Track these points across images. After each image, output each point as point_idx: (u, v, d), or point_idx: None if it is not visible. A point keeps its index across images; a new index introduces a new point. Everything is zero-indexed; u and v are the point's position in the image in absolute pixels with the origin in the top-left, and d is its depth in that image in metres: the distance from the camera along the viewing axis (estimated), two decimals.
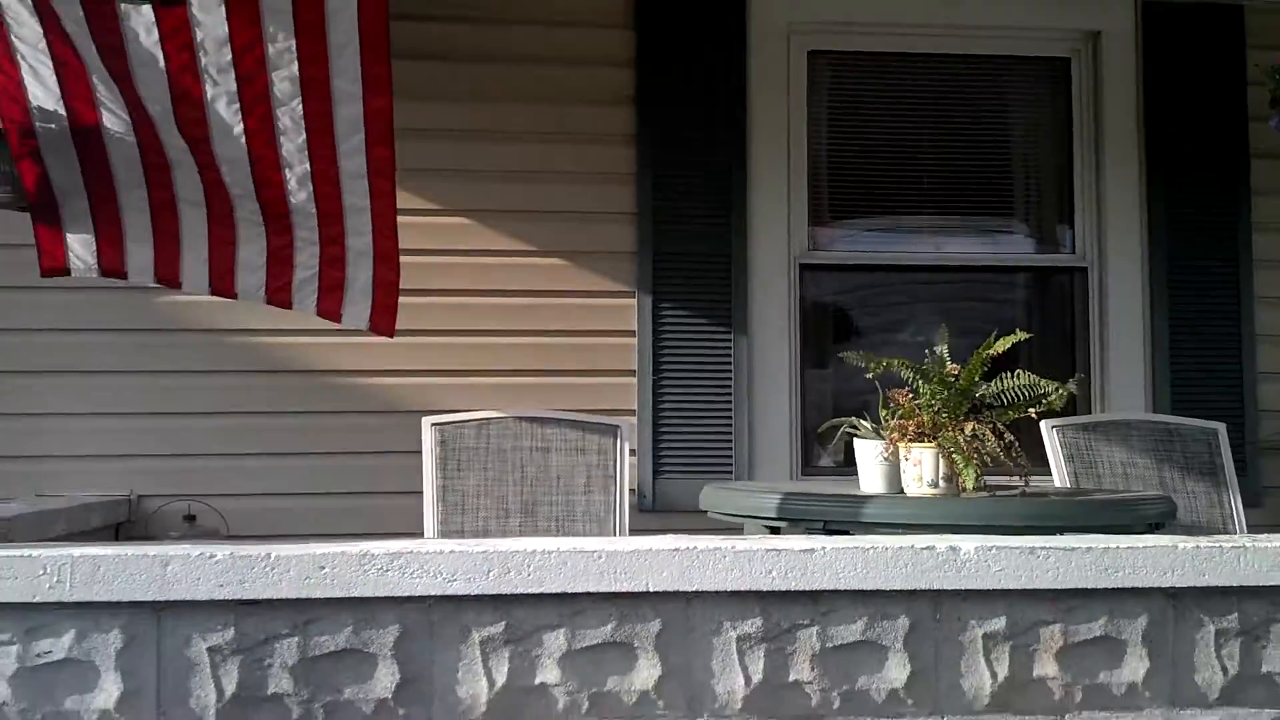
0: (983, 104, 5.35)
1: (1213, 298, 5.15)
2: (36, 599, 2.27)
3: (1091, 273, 5.19)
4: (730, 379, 4.91)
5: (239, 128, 3.19)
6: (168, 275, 3.57)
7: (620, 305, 4.92)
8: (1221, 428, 4.26)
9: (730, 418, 4.89)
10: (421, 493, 3.85)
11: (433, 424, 3.83)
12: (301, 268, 3.52)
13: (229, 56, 3.08)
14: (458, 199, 4.86)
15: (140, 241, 3.52)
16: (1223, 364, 5.14)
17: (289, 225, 3.43)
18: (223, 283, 3.59)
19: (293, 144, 3.27)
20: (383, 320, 3.60)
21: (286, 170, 3.28)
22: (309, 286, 3.57)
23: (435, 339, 4.75)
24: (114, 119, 3.31)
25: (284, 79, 3.09)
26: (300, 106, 3.16)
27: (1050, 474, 4.17)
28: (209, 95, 3.15)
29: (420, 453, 3.91)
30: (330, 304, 3.60)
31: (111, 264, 3.58)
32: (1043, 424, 4.10)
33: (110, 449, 4.68)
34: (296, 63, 3.06)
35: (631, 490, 4.59)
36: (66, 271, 3.60)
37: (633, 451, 4.62)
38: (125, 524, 4.58)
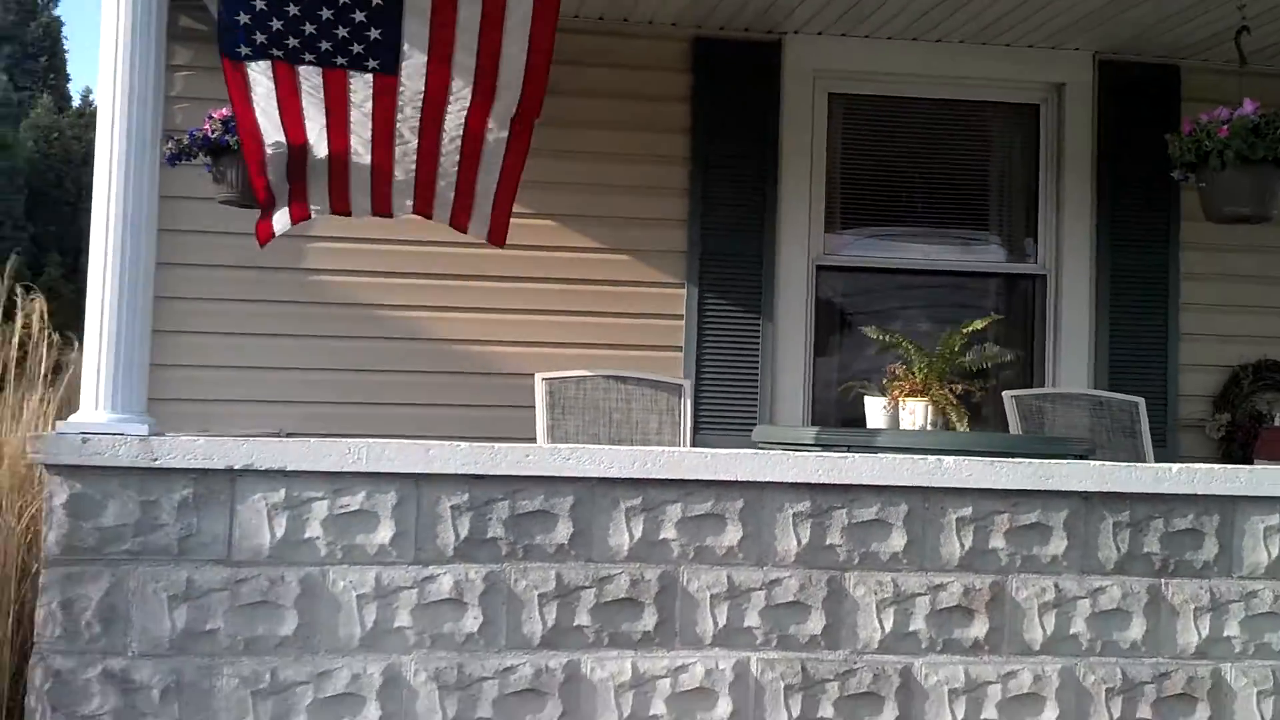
0: (967, 138, 6.60)
1: (1146, 302, 6.40)
2: (343, 469, 3.47)
3: (1050, 279, 6.44)
4: (758, 356, 6.14)
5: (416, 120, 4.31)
6: (340, 208, 4.67)
7: (672, 294, 6.14)
8: (1141, 401, 5.51)
9: (756, 387, 6.12)
10: (533, 439, 5.04)
11: (543, 378, 5.03)
12: (442, 194, 4.59)
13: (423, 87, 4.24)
14: (548, 205, 6.06)
15: (319, 190, 4.60)
16: (1152, 355, 6.39)
17: (436, 162, 4.49)
18: (383, 205, 4.63)
19: (456, 118, 4.37)
20: (497, 235, 4.69)
21: (445, 134, 4.39)
22: (445, 206, 4.63)
23: (531, 317, 5.97)
24: (320, 142, 4.44)
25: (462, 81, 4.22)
26: (469, 96, 4.27)
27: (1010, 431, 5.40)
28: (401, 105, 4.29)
29: (528, 406, 5.12)
30: (461, 219, 4.67)
31: (301, 214, 4.66)
32: (1004, 394, 5.33)
33: (265, 395, 5.83)
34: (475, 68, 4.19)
35: None
36: (271, 237, 4.74)
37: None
38: None
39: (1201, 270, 6.47)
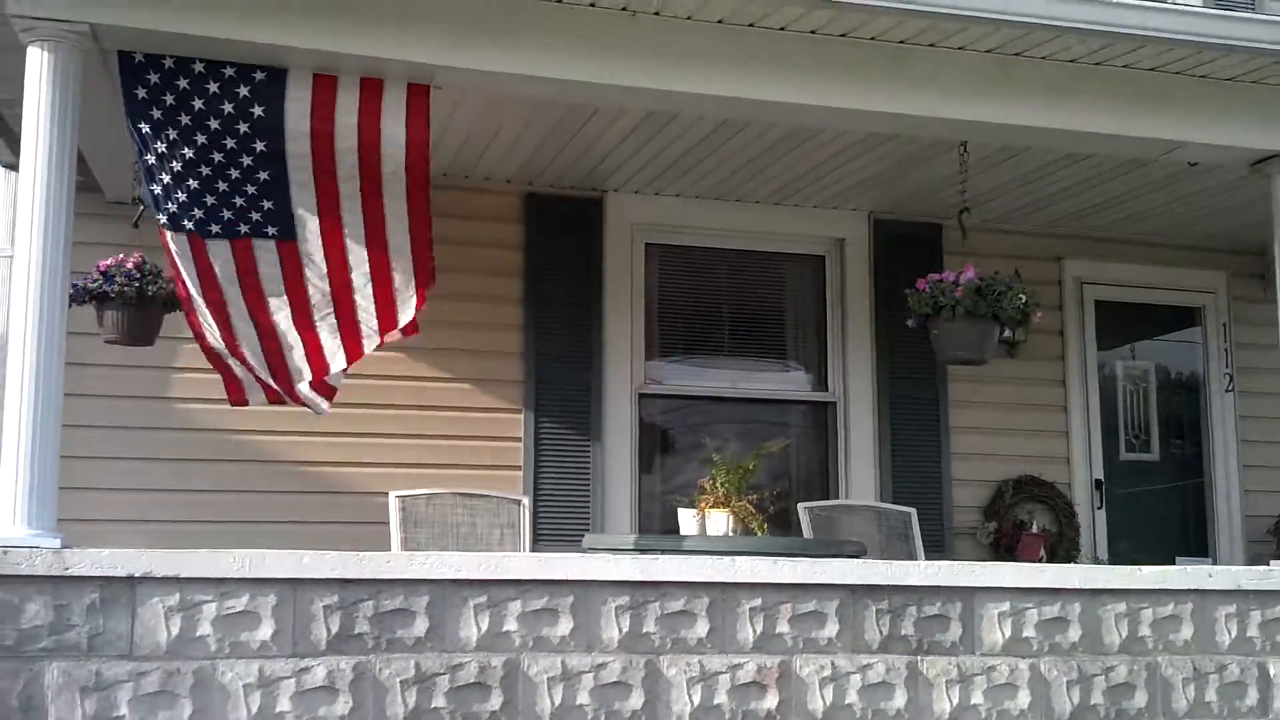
0: (767, 283, 7.56)
1: (922, 426, 7.38)
2: (229, 575, 4.04)
3: (840, 405, 7.38)
4: (589, 473, 6.87)
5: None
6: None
7: (512, 419, 6.85)
8: (913, 511, 6.41)
9: (589, 501, 6.84)
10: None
11: (396, 496, 5.65)
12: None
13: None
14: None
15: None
16: (929, 471, 7.35)
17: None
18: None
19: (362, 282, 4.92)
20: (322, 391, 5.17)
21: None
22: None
23: (382, 440, 6.59)
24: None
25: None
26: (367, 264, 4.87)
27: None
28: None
29: (384, 522, 5.72)
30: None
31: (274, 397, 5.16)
32: (799, 506, 6.17)
33: (157, 516, 6.22)
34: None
35: None
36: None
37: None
38: None
39: (968, 399, 7.49)
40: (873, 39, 4.91)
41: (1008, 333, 7.07)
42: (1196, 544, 7.84)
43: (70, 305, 5.19)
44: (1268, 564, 5.26)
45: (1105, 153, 5.96)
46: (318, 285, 4.85)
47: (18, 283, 4.16)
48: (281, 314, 4.85)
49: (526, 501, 5.91)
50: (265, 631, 4.06)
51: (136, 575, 3.97)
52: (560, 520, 6.72)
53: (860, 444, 7.32)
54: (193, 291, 4.78)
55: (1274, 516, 7.64)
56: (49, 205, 4.16)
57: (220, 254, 4.71)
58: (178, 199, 4.56)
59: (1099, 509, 7.63)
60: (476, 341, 6.86)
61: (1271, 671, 4.96)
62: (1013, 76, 5.09)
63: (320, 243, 4.78)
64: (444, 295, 6.77)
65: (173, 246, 4.68)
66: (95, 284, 5.40)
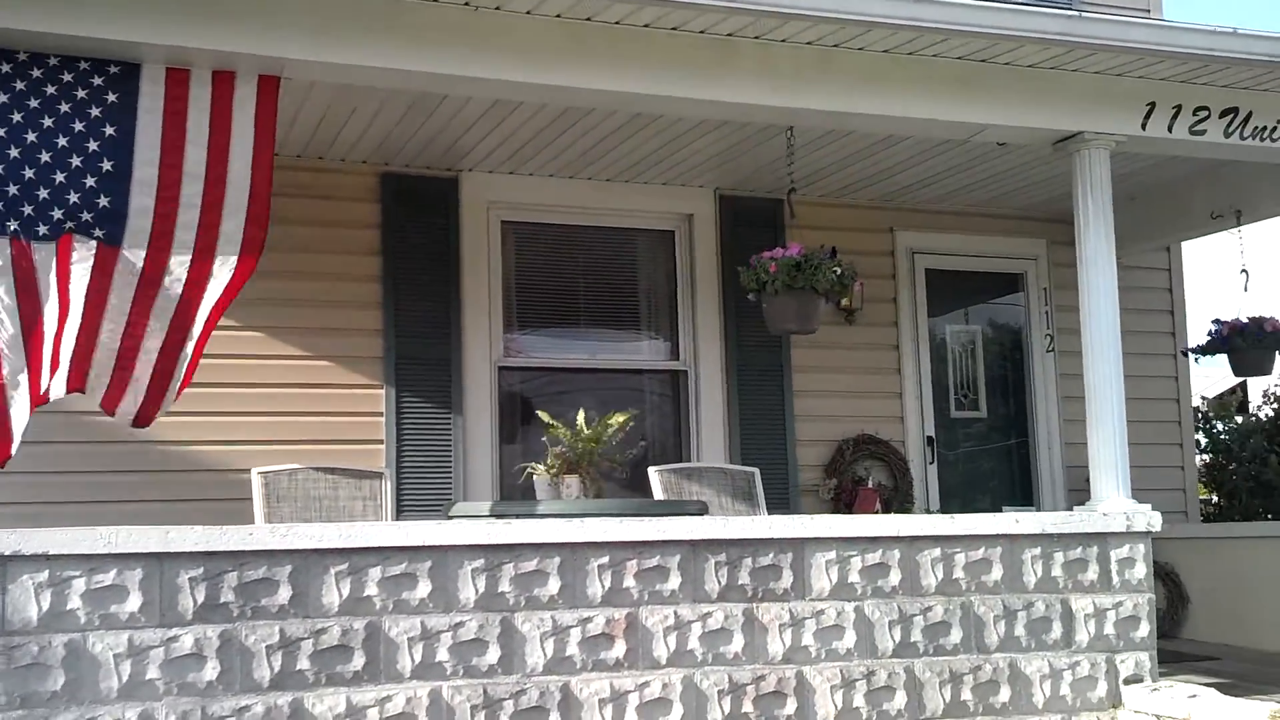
0: (620, 258, 7.89)
1: (766, 390, 7.80)
2: (96, 551, 4.23)
3: (690, 373, 7.76)
4: (450, 445, 7.13)
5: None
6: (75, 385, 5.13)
7: (373, 394, 7.07)
8: (756, 471, 6.81)
9: (451, 472, 7.10)
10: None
11: (258, 472, 5.84)
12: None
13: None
14: (255, 319, 6.85)
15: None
16: (774, 433, 7.78)
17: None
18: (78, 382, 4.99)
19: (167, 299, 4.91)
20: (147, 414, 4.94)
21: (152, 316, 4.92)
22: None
23: (245, 418, 6.75)
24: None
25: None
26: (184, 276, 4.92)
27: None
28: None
29: (248, 498, 5.89)
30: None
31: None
32: (650, 469, 6.52)
33: (23, 497, 6.24)
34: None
35: None
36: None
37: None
38: None
39: (810, 364, 7.93)
40: (702, 32, 5.25)
41: (843, 302, 7.60)
42: (1022, 494, 8.43)
43: None
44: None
45: (920, 135, 6.40)
46: (123, 295, 4.78)
47: None
48: (72, 322, 4.70)
49: (388, 474, 6.15)
50: (133, 603, 4.27)
51: (6, 553, 4.14)
52: (423, 491, 6.98)
53: (710, 409, 7.71)
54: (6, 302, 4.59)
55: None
56: None
57: (44, 258, 4.61)
58: (6, 193, 4.57)
59: (931, 464, 8.16)
60: (337, 319, 7.05)
61: (1074, 607, 5.48)
62: (833, 66, 5.48)
63: (144, 252, 4.75)
64: (304, 274, 7.00)
65: None
66: None
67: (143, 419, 5.02)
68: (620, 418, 5.63)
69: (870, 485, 7.72)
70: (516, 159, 7.21)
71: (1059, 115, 5.86)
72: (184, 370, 4.98)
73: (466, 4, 4.95)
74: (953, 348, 8.51)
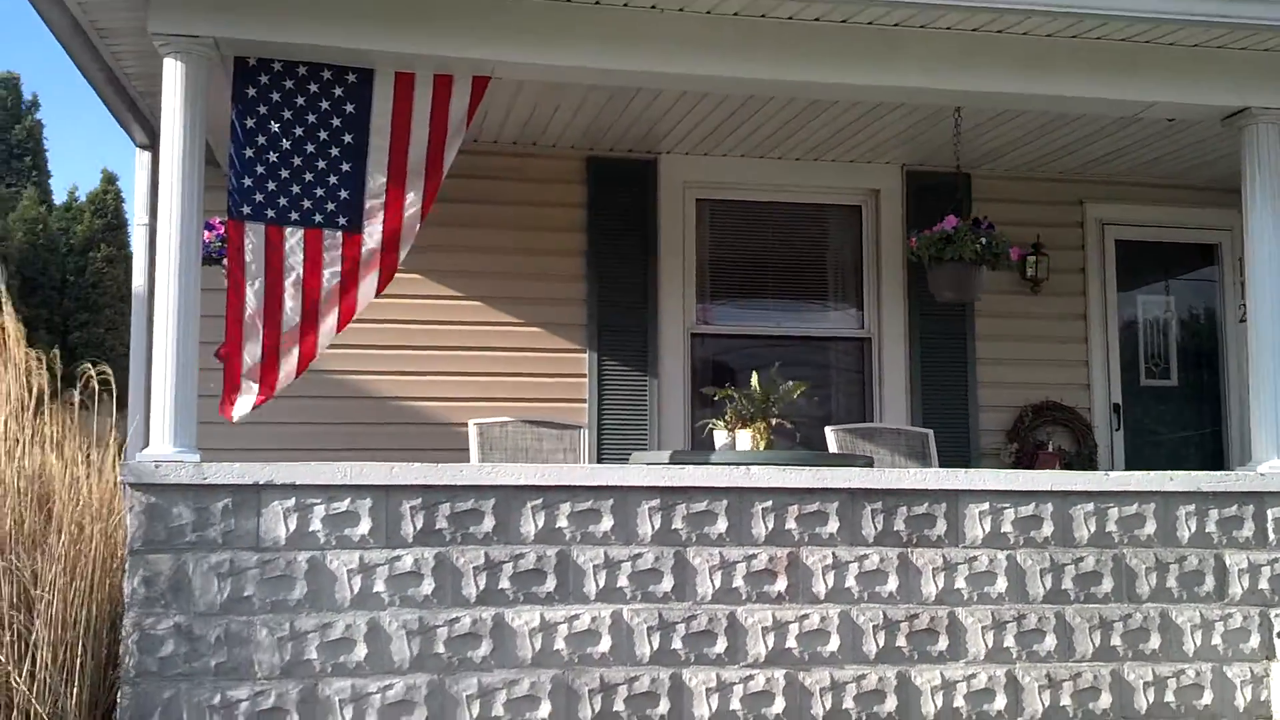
0: (807, 232, 8.36)
1: (950, 358, 8.15)
2: (334, 482, 5.03)
3: (874, 341, 8.18)
4: (646, 404, 7.78)
5: None
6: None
7: (577, 358, 7.79)
8: (930, 433, 7.19)
9: (646, 429, 7.76)
10: None
11: (474, 423, 6.61)
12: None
13: None
14: (473, 290, 7.68)
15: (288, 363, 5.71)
16: (956, 399, 8.13)
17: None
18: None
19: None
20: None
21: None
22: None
23: (464, 378, 7.58)
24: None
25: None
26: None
27: None
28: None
29: (459, 449, 6.68)
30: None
31: (267, 396, 5.54)
32: (827, 429, 7.00)
33: (279, 444, 7.20)
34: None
35: None
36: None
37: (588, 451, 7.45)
38: None
39: (993, 333, 8.23)
40: (870, 24, 5.67)
41: (1027, 272, 7.90)
42: (1213, 463, 8.49)
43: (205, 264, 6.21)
44: None
45: (1089, 112, 6.63)
46: (369, 280, 5.54)
47: (161, 247, 5.18)
48: (328, 307, 5.51)
49: (585, 428, 6.84)
50: (364, 527, 5.06)
51: (261, 483, 4.98)
52: (621, 446, 7.65)
53: (893, 375, 8.11)
54: (249, 281, 5.41)
55: None
56: (184, 191, 5.17)
57: (294, 242, 5.43)
58: (267, 188, 5.40)
59: (1117, 430, 8.33)
60: (545, 290, 7.79)
61: (1228, 562, 5.70)
62: (999, 51, 5.80)
63: (380, 235, 5.52)
64: (517, 249, 7.78)
65: (249, 239, 5.40)
66: (212, 244, 6.36)
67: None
68: (793, 386, 6.11)
69: (1050, 450, 7.97)
70: (709, 142, 7.77)
71: (1225, 91, 6.01)
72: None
73: (653, 7, 5.53)
74: (1144, 318, 8.63)
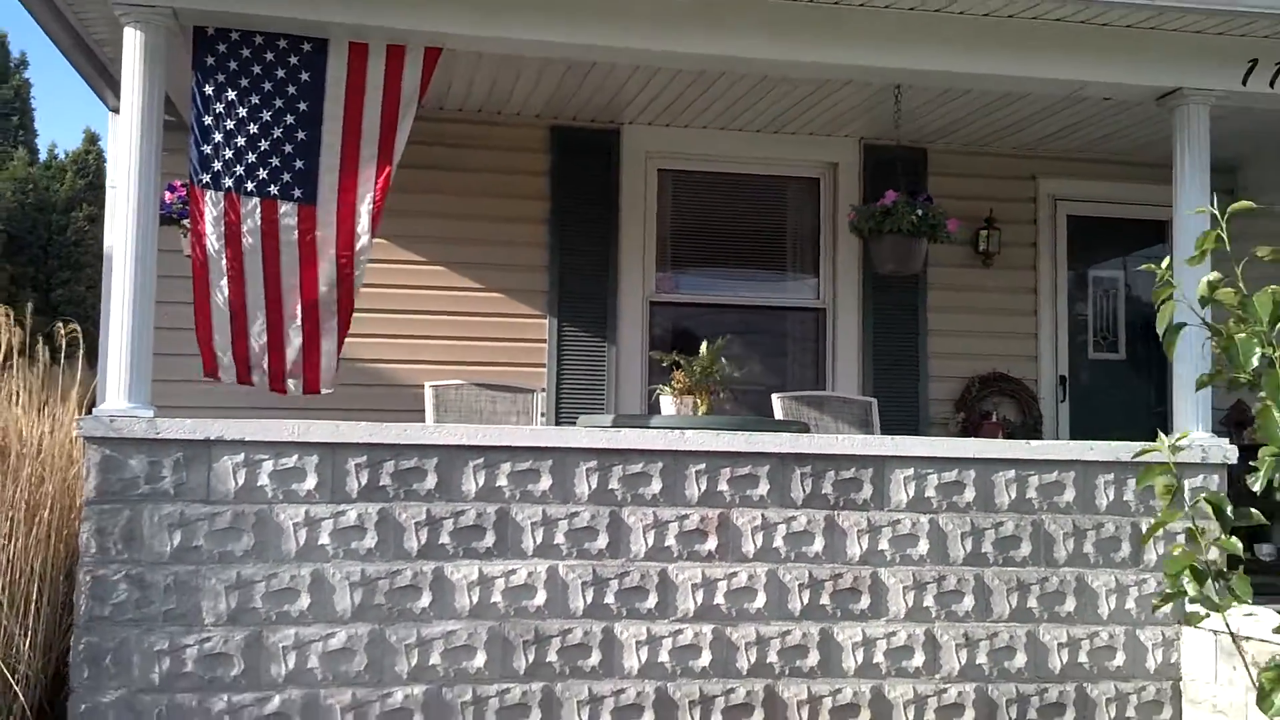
0: (766, 203, 8.55)
1: (901, 329, 8.36)
2: (282, 439, 5.27)
3: (829, 312, 8.39)
4: (604, 370, 8.00)
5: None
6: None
7: (537, 323, 8.00)
8: (874, 401, 7.41)
9: (604, 394, 7.98)
10: None
11: (430, 385, 6.83)
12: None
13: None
14: (436, 255, 7.89)
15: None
16: (907, 370, 8.35)
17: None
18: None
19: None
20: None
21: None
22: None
23: (423, 342, 7.79)
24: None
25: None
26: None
27: None
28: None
29: (416, 410, 6.91)
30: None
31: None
32: (774, 396, 7.22)
33: (225, 402, 7.50)
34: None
35: None
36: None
37: (543, 414, 7.67)
38: None
39: (945, 305, 8.44)
40: (810, 1, 5.85)
41: (979, 246, 8.10)
42: (1155, 433, 8.70)
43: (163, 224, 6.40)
44: None
45: (1024, 91, 6.82)
46: (328, 256, 5.76)
47: (119, 210, 5.38)
48: (290, 282, 5.74)
49: (539, 391, 7.06)
50: (310, 483, 5.29)
51: (211, 438, 5.21)
52: (579, 409, 7.87)
53: (846, 345, 8.33)
54: (212, 252, 5.64)
55: (1227, 408, 8.48)
56: (141, 155, 5.36)
57: (250, 212, 5.62)
58: (224, 156, 5.62)
59: (1062, 402, 8.56)
60: (508, 256, 8.00)
61: (1144, 529, 5.93)
62: (942, 30, 5.98)
63: (334, 209, 5.71)
64: (480, 216, 7.97)
65: (209, 209, 5.61)
66: (173, 204, 6.54)
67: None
68: (731, 363, 6.31)
69: (994, 420, 8.20)
70: (670, 112, 7.95)
71: (1158, 72, 6.20)
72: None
73: None
74: (1094, 292, 8.83)
